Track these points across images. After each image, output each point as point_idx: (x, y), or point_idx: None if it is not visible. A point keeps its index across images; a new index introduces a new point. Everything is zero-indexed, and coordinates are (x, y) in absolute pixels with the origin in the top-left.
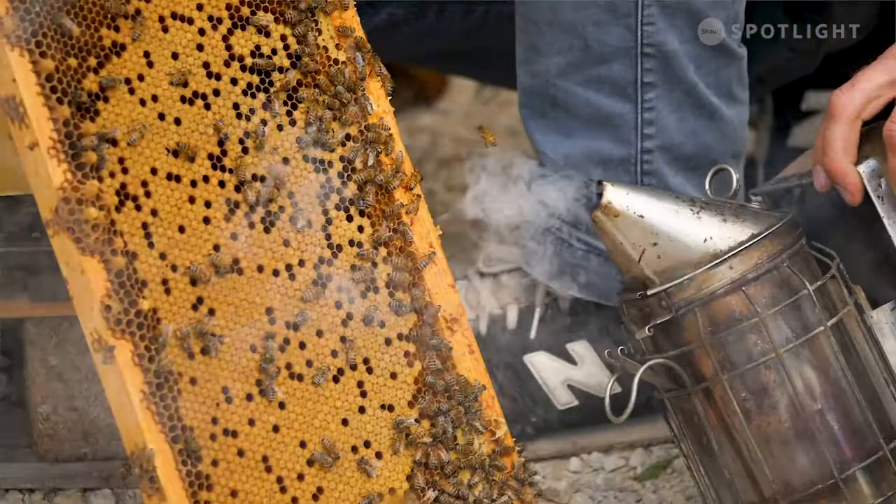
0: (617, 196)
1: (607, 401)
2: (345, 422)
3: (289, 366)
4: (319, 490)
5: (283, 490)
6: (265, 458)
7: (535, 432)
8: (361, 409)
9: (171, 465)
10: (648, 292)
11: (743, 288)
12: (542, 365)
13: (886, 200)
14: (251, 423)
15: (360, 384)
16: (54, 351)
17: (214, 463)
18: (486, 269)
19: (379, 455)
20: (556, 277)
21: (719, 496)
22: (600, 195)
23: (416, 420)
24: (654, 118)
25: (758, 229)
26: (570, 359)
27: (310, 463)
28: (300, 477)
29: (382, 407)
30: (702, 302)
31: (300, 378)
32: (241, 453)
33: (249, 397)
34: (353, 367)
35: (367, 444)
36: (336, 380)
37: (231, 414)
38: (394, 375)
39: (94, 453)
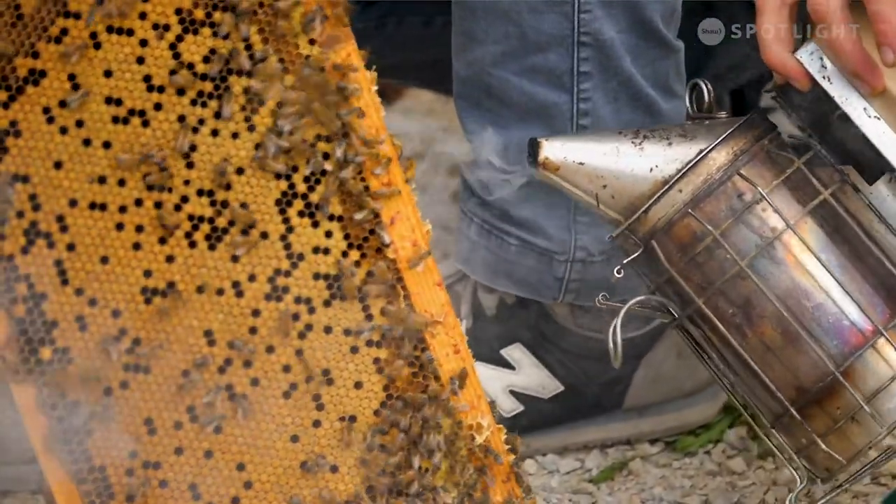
0: (553, 149)
1: (610, 345)
2: (294, 438)
3: (229, 387)
4: None
5: None
6: (193, 486)
7: None
8: (316, 423)
9: None
10: (614, 234)
11: (690, 210)
12: (481, 375)
13: (834, 80)
14: (178, 451)
15: (316, 397)
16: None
17: (130, 498)
18: None
19: (335, 468)
20: (491, 276)
21: (759, 413)
22: (536, 153)
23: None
24: (589, 109)
25: (707, 143)
26: (507, 364)
27: (248, 486)
28: (235, 501)
29: (342, 419)
30: (663, 230)
31: (243, 398)
32: (163, 484)
33: (178, 426)
34: (309, 380)
35: (322, 458)
36: (287, 395)
37: (154, 446)
38: (359, 385)
39: None
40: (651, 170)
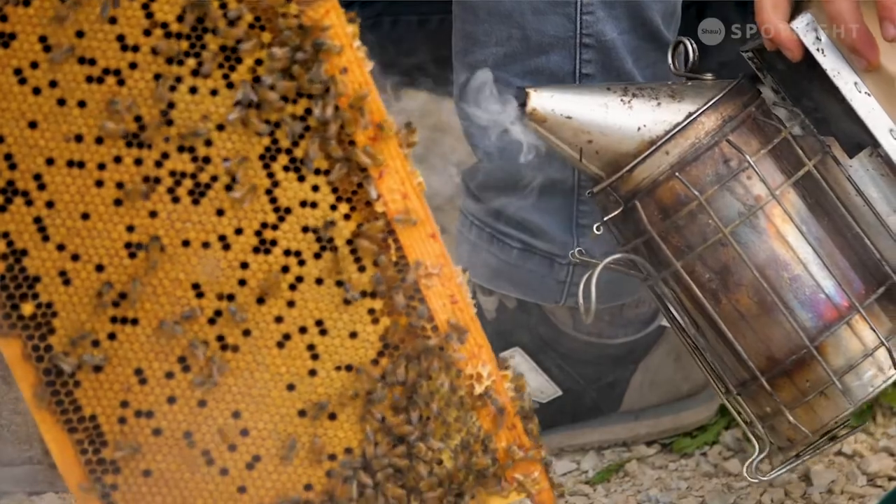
0: (541, 101)
1: (581, 300)
2: (291, 387)
3: (221, 338)
4: (256, 458)
5: (209, 462)
6: (188, 434)
7: None
8: (312, 372)
9: (69, 454)
10: (595, 189)
11: (677, 173)
12: None
13: (828, 53)
14: (171, 400)
15: (310, 347)
16: None
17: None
18: None
19: (333, 416)
20: (492, 279)
21: (721, 379)
22: (525, 103)
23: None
24: None
25: (695, 107)
26: (505, 368)
27: (244, 433)
28: (232, 448)
29: (338, 368)
30: (646, 191)
31: (235, 349)
32: (157, 432)
33: (170, 375)
34: (303, 331)
35: (321, 407)
36: (280, 345)
37: (146, 395)
38: (354, 335)
39: (40, 457)
40: (639, 129)
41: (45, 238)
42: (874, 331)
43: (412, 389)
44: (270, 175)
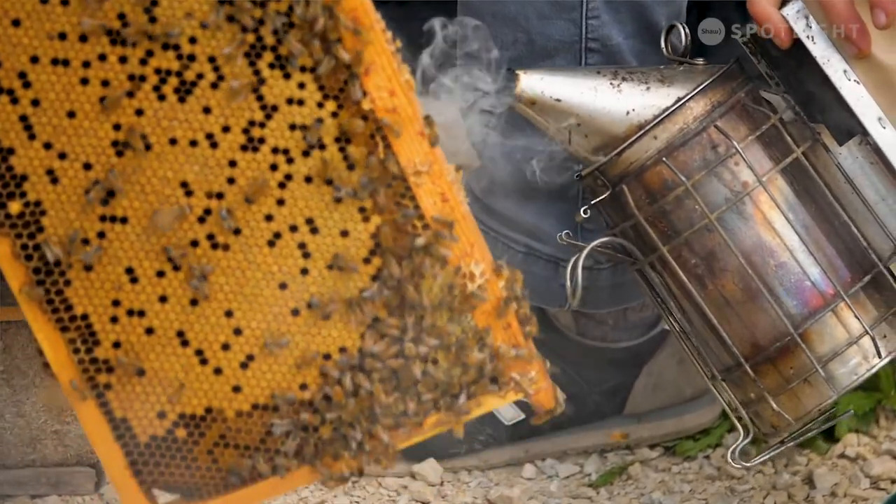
0: (530, 83)
1: (568, 283)
2: (283, 286)
3: (211, 236)
4: (250, 357)
5: (203, 362)
6: (181, 333)
7: (484, 446)
8: (304, 271)
9: (62, 353)
10: (583, 172)
11: (665, 158)
12: None
13: (818, 40)
14: (163, 299)
15: (301, 245)
16: (0, 356)
17: (116, 345)
18: None
19: (327, 315)
20: None
21: (707, 364)
22: (514, 84)
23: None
24: None
25: (685, 92)
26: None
27: (237, 332)
28: (225, 347)
29: (330, 267)
30: (634, 175)
31: (226, 248)
32: (149, 331)
33: (160, 274)
34: (294, 229)
35: (310, 306)
36: (271, 244)
37: (137, 294)
38: (345, 233)
39: (43, 459)
40: (627, 113)
41: (32, 136)
42: (858, 319)
43: (405, 288)
44: (256, 73)
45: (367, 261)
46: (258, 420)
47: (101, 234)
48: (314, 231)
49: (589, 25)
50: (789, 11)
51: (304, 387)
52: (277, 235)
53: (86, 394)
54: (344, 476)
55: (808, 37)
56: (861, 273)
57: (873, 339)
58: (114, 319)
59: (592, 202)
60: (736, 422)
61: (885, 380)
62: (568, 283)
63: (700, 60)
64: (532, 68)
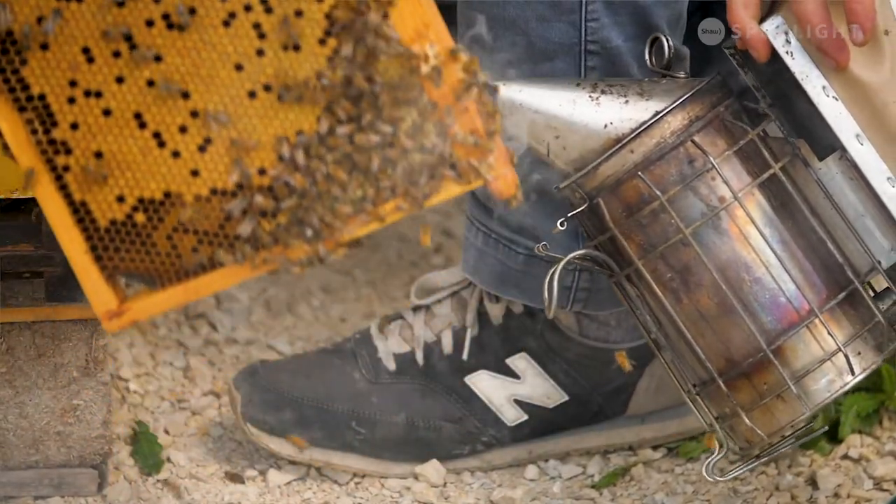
0: (509, 94)
1: (545, 294)
2: (239, 67)
3: (166, 16)
4: (207, 140)
5: (161, 145)
6: (138, 115)
7: (487, 448)
8: (260, 52)
9: (21, 134)
10: (561, 185)
11: (640, 172)
12: (485, 384)
13: (797, 55)
14: (119, 80)
15: (256, 25)
16: (3, 358)
17: (73, 126)
18: (419, 301)
19: (281, 97)
20: (499, 285)
21: (683, 377)
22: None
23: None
24: None
25: (663, 105)
26: (512, 374)
27: (194, 114)
28: (182, 129)
29: (285, 48)
30: (611, 188)
31: (181, 28)
32: (107, 113)
33: (117, 54)
34: (248, 9)
35: (267, 88)
36: (226, 24)
37: (94, 74)
38: (299, 13)
39: (45, 461)
40: (605, 126)
41: None
42: (832, 336)
43: (359, 70)
44: None
45: (322, 42)
46: (217, 206)
47: (58, 13)
48: (268, 11)
49: (588, 28)
50: (769, 26)
51: (262, 171)
52: (232, 15)
53: (45, 177)
54: (301, 261)
55: (787, 52)
56: (838, 289)
57: (846, 357)
58: (71, 100)
59: (569, 214)
60: (718, 435)
61: (889, 381)
62: (545, 294)
63: (682, 74)
64: (511, 80)
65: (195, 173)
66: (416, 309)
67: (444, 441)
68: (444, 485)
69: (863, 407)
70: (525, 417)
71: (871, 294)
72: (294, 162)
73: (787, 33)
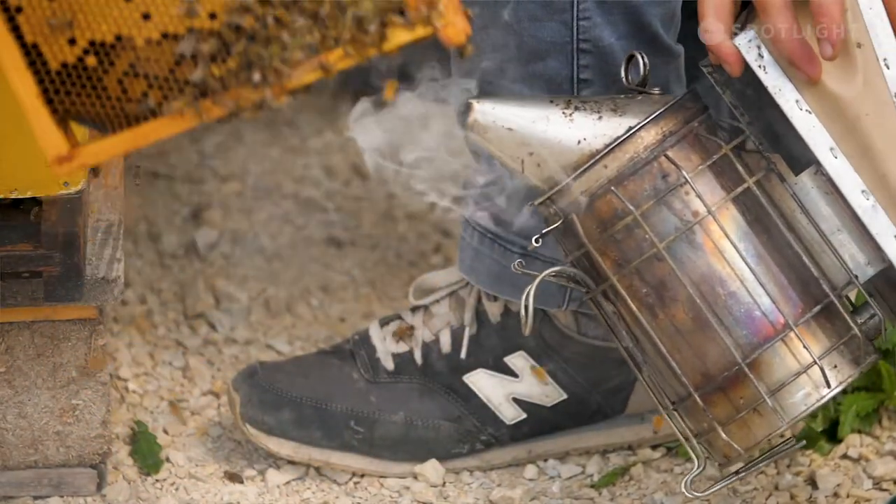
0: (483, 112)
1: (522, 312)
2: None
3: None
4: None
5: None
6: None
7: (486, 447)
8: None
9: None
10: (535, 202)
11: (613, 188)
12: (483, 383)
13: (770, 70)
14: None
15: None
16: (2, 357)
17: None
18: (416, 301)
19: None
20: (495, 285)
21: (662, 393)
22: (466, 115)
23: None
24: None
25: (637, 121)
26: (510, 372)
27: None
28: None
29: None
30: (585, 204)
31: None
32: None
33: None
34: None
35: None
36: None
37: None
38: None
39: (45, 460)
40: (579, 142)
41: None
42: (807, 349)
43: None
44: None
45: None
46: (168, 50)
47: None
48: None
49: (580, 27)
50: (741, 41)
51: (213, 16)
52: None
53: None
54: (248, 108)
55: (759, 66)
56: (814, 303)
57: (822, 370)
58: None
59: (543, 231)
60: (690, 451)
61: (888, 380)
62: (522, 311)
63: (656, 90)
64: (484, 97)
65: (146, 16)
66: (414, 309)
67: (443, 440)
68: (444, 484)
69: (862, 406)
70: (524, 416)
71: (850, 307)
72: (244, 5)
73: (759, 47)
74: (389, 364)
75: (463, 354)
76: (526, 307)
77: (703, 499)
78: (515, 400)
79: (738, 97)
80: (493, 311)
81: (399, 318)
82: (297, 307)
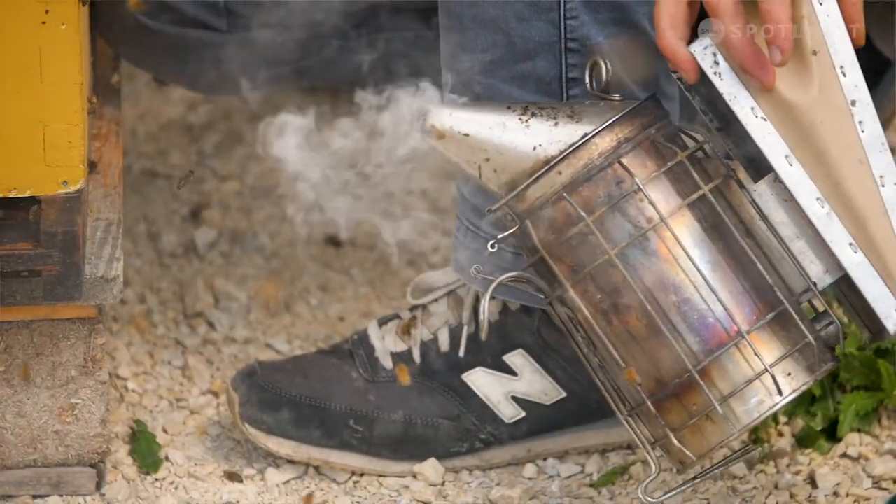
0: (440, 118)
1: (482, 317)
2: None
3: None
4: None
5: None
6: None
7: (485, 446)
8: None
9: None
10: (493, 207)
11: (566, 194)
12: (482, 381)
13: (725, 77)
14: None
15: None
16: (1, 357)
17: None
18: (415, 300)
19: None
20: (487, 284)
21: (619, 398)
22: (424, 120)
23: None
24: None
25: (593, 127)
26: (509, 371)
27: None
28: None
29: None
30: (540, 210)
31: None
32: None
33: None
34: None
35: None
36: None
37: None
38: None
39: (44, 460)
40: (534, 148)
41: None
42: (759, 356)
43: None
44: None
45: None
46: None
47: None
48: None
49: (568, 26)
50: (697, 47)
51: None
52: None
53: None
54: None
55: (715, 73)
56: (770, 310)
57: (773, 377)
58: None
59: (499, 237)
60: (648, 457)
61: (888, 379)
62: (481, 316)
63: (616, 97)
64: (442, 104)
65: None
66: (412, 309)
67: (442, 439)
68: (443, 484)
69: (861, 406)
70: (523, 414)
71: (814, 314)
72: None
73: (715, 54)
74: (388, 363)
75: (461, 353)
76: (483, 313)
77: (660, 502)
78: (514, 398)
79: (706, 103)
80: (492, 308)
81: (398, 317)
82: (295, 306)
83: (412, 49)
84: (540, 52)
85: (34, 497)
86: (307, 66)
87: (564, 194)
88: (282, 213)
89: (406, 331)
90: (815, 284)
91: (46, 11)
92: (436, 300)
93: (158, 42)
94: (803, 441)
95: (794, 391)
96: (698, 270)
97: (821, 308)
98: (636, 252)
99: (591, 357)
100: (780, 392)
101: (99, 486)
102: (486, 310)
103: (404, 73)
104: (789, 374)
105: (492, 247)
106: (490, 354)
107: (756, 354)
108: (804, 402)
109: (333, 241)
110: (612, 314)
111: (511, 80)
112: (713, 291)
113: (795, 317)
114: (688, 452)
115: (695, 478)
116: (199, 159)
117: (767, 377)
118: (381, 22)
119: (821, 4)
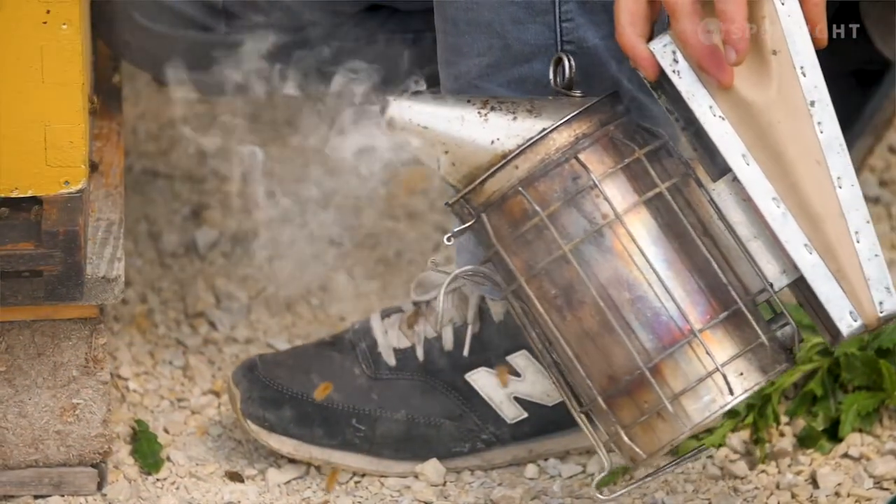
0: (399, 111)
1: (439, 309)
2: None
3: None
4: None
5: None
6: None
7: (487, 446)
8: None
9: None
10: (450, 201)
11: (521, 188)
12: (485, 381)
13: (684, 75)
14: None
15: None
16: (2, 356)
17: None
18: (418, 297)
19: None
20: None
21: (574, 395)
22: (384, 111)
23: None
24: None
25: (551, 122)
26: (512, 372)
27: None
28: None
29: None
30: (496, 205)
31: None
32: None
33: None
34: None
35: None
36: None
37: None
38: None
39: (45, 460)
40: (492, 142)
41: None
42: (710, 355)
43: None
44: None
45: None
46: None
47: None
48: None
49: (563, 28)
50: (656, 45)
51: None
52: None
53: None
54: None
55: (674, 71)
56: (724, 310)
57: (724, 377)
58: None
59: (456, 231)
60: (600, 454)
61: (889, 379)
62: (439, 307)
63: (577, 93)
64: (403, 96)
65: None
66: (416, 304)
67: (444, 438)
68: (444, 484)
69: (863, 405)
70: (525, 415)
71: (771, 315)
72: None
73: (675, 52)
74: (391, 359)
75: (465, 352)
76: (442, 306)
77: (611, 500)
78: (517, 399)
79: (671, 101)
80: (497, 309)
81: (400, 310)
82: (297, 306)
83: (412, 50)
84: (536, 55)
85: (36, 497)
86: (307, 66)
87: (520, 188)
88: (282, 213)
89: (410, 325)
90: (771, 285)
91: (48, 11)
92: (437, 297)
93: (158, 43)
94: (805, 441)
95: (746, 391)
96: (652, 268)
97: (779, 309)
98: (591, 248)
99: (545, 353)
100: (731, 391)
101: (100, 486)
102: (442, 302)
103: (404, 75)
104: (741, 374)
105: (447, 240)
106: (494, 355)
107: (708, 353)
108: (806, 402)
109: (334, 242)
110: (565, 310)
111: (508, 83)
112: (667, 289)
113: (749, 317)
114: (638, 450)
115: (647, 476)
116: (200, 159)
117: (719, 376)
118: (381, 23)
119: (782, 4)
